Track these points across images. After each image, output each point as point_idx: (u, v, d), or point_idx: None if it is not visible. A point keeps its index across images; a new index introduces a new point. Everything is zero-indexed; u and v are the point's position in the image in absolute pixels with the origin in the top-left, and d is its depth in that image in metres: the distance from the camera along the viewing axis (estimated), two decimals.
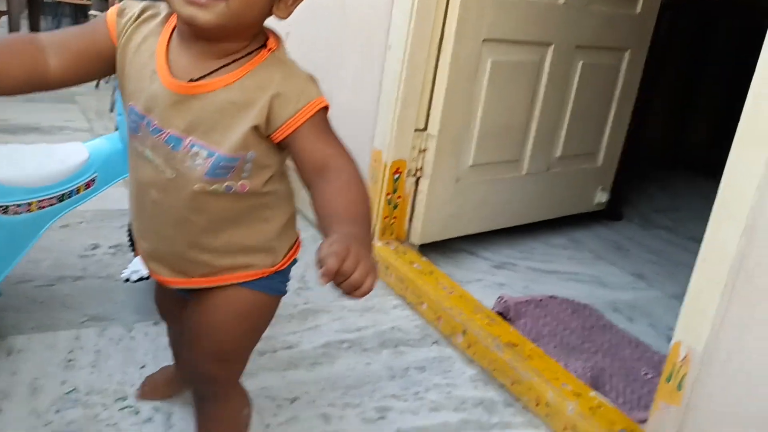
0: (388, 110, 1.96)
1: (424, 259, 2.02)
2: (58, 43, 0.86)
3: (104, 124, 3.21)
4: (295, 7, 0.86)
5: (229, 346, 1.02)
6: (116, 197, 2.24)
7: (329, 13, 2.26)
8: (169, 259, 0.96)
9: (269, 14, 0.85)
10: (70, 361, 1.43)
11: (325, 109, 0.86)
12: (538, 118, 2.26)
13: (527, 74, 2.17)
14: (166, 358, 1.47)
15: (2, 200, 1.38)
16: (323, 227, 0.81)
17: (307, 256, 2.02)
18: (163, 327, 1.56)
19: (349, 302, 1.84)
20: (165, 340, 1.53)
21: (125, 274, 1.59)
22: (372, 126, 2.03)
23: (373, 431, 1.37)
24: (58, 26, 5.50)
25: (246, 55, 0.85)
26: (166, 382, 1.35)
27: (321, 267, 0.68)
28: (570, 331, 1.84)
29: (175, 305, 1.12)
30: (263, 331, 1.05)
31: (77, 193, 1.50)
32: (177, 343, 1.24)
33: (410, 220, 2.09)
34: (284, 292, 1.03)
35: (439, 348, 1.70)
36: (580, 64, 2.33)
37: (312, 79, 0.87)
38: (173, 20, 0.86)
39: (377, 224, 2.03)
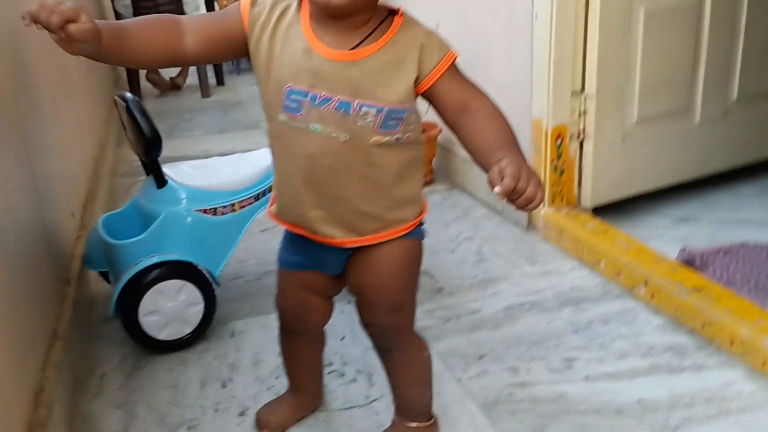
0: (542, 78, 1.98)
1: (597, 219, 2.01)
2: (196, 25, 0.98)
3: None
4: None
5: (401, 295, 1.12)
6: None
7: None
8: (345, 218, 1.04)
9: None
10: None
11: (456, 59, 0.98)
12: (704, 61, 2.16)
13: (686, 18, 2.08)
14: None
15: (211, 204, 1.62)
16: (481, 155, 0.94)
17: (482, 232, 2.10)
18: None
19: (527, 269, 1.89)
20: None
21: None
22: (528, 96, 2.06)
23: (561, 380, 1.41)
24: (238, 67, 6.02)
25: (381, 23, 0.95)
26: (289, 410, 1.33)
27: (493, 187, 0.82)
28: (766, 275, 1.74)
29: (309, 302, 1.20)
30: (419, 275, 1.15)
31: (269, 191, 1.70)
32: (299, 358, 1.30)
33: (579, 184, 2.09)
34: (424, 236, 1.13)
35: (622, 301, 1.69)
36: None
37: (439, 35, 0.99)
38: (306, 6, 0.97)
39: (546, 191, 2.05)
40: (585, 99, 2.00)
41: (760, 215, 2.16)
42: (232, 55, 1.04)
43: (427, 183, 2.62)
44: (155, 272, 1.52)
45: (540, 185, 0.83)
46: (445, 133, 2.65)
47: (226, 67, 5.71)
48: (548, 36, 1.93)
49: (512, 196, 0.82)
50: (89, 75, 3.06)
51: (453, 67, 0.97)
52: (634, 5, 1.95)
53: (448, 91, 0.97)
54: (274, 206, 1.13)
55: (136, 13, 4.06)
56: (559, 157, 2.03)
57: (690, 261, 1.79)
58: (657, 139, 2.15)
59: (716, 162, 2.31)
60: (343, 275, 1.14)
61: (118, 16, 4.26)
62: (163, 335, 1.55)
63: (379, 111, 0.95)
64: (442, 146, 2.68)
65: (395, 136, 0.98)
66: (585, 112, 2.01)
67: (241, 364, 1.53)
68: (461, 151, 2.55)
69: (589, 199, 2.08)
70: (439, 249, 2.05)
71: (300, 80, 0.96)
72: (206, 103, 4.22)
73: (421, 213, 1.09)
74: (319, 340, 1.31)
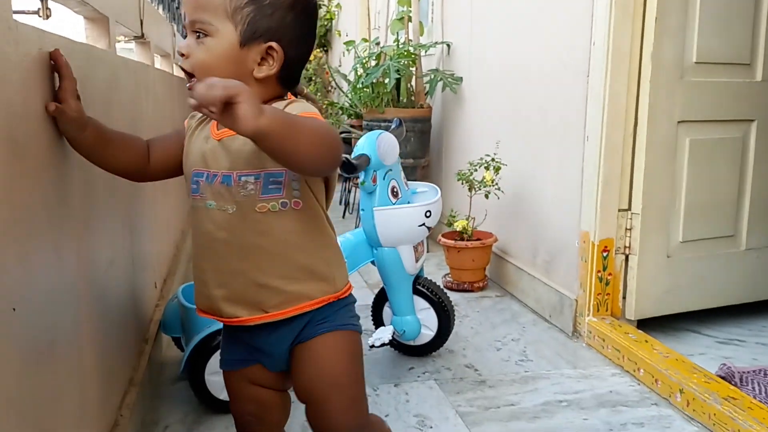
0: (590, 194, 2.14)
1: (639, 331, 2.09)
2: (157, 142, 1.10)
3: None
4: (273, 71, 1.00)
5: (355, 389, 1.10)
6: (360, 296, 2.65)
7: (530, 120, 2.55)
8: (245, 294, 1.03)
9: (249, 74, 0.99)
10: None
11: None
12: (750, 192, 2.28)
13: (731, 150, 2.23)
14: (407, 411, 1.73)
15: None
16: None
17: (528, 335, 2.20)
18: (405, 387, 1.85)
19: (568, 371, 1.97)
20: (405, 396, 1.81)
21: (371, 341, 1.91)
22: (578, 210, 2.22)
23: None
24: None
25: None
26: None
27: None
28: None
29: (262, 398, 1.16)
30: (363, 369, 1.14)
31: None
32: None
33: (624, 297, 2.19)
34: (361, 330, 1.14)
35: (658, 408, 1.75)
36: None
37: (314, 107, 1.02)
38: None
39: (591, 301, 2.16)
40: (631, 216, 2.13)
41: None
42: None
43: (479, 288, 2.75)
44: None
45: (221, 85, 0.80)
46: (501, 243, 2.80)
47: None
48: (597, 157, 2.10)
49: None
50: None
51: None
52: (679, 134, 2.12)
53: None
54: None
55: None
56: (604, 268, 2.15)
57: (729, 377, 1.83)
58: (702, 260, 2.24)
59: (762, 289, 2.37)
60: (289, 373, 1.12)
61: None
62: (223, 395, 1.69)
63: (257, 178, 0.99)
64: (495, 255, 2.83)
65: (280, 201, 1.00)
66: (631, 228, 2.14)
67: (292, 430, 1.65)
68: (514, 260, 2.70)
69: (633, 312, 2.17)
70: (485, 347, 2.16)
71: (199, 163, 1.04)
72: None
73: (335, 294, 1.07)
74: None
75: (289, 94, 1.07)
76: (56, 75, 1.00)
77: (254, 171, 0.99)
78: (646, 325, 2.19)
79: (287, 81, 1.05)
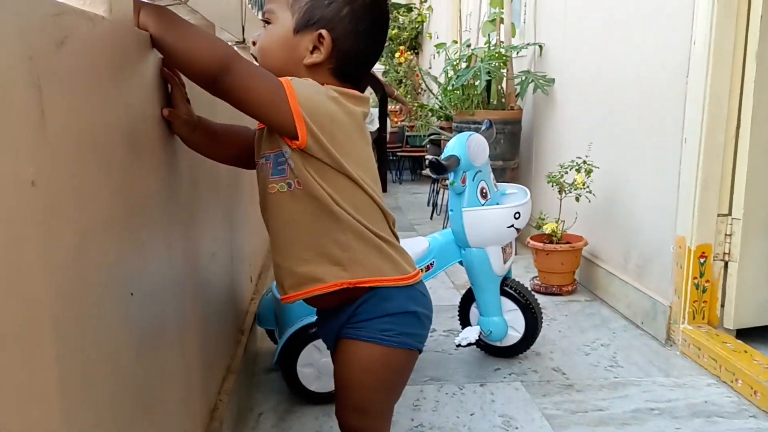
0: (688, 198, 2.08)
1: (738, 340, 2.01)
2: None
3: None
4: (321, 59, 1.02)
5: (362, 398, 1.08)
6: (447, 296, 2.67)
7: (624, 122, 2.49)
8: (276, 273, 1.08)
9: (299, 60, 1.02)
10: (416, 406, 1.77)
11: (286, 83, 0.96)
12: None
13: None
14: (492, 411, 1.74)
15: None
16: None
17: (619, 341, 2.15)
18: (490, 387, 1.86)
19: (661, 379, 1.92)
20: (490, 396, 1.82)
21: (457, 340, 1.93)
22: (674, 214, 2.15)
23: None
24: (399, 177, 6.50)
25: None
26: None
27: None
28: None
29: None
30: (398, 386, 1.12)
31: (422, 273, 1.91)
32: None
33: (722, 305, 2.11)
34: (410, 346, 1.07)
35: (757, 421, 1.68)
36: None
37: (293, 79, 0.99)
38: None
39: (686, 308, 2.09)
40: (732, 222, 2.05)
41: None
42: None
43: (568, 292, 2.71)
44: (316, 329, 1.75)
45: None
46: (591, 246, 2.75)
47: (389, 176, 6.21)
48: (696, 159, 2.04)
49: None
50: None
51: None
52: None
53: None
54: None
55: None
56: (701, 275, 2.08)
57: None
58: None
59: None
60: None
61: None
62: (314, 387, 1.76)
63: (267, 159, 1.02)
64: (585, 258, 2.78)
65: (286, 181, 1.00)
66: (731, 234, 2.06)
67: None
68: (604, 264, 2.64)
69: (732, 321, 2.08)
70: (573, 351, 2.13)
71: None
72: None
73: (352, 281, 1.02)
74: None
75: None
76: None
77: (267, 153, 1.02)
78: (745, 334, 2.10)
79: (343, 75, 1.05)
